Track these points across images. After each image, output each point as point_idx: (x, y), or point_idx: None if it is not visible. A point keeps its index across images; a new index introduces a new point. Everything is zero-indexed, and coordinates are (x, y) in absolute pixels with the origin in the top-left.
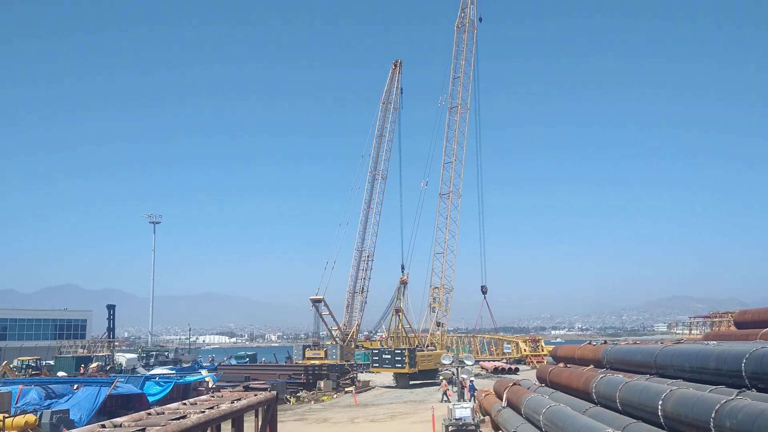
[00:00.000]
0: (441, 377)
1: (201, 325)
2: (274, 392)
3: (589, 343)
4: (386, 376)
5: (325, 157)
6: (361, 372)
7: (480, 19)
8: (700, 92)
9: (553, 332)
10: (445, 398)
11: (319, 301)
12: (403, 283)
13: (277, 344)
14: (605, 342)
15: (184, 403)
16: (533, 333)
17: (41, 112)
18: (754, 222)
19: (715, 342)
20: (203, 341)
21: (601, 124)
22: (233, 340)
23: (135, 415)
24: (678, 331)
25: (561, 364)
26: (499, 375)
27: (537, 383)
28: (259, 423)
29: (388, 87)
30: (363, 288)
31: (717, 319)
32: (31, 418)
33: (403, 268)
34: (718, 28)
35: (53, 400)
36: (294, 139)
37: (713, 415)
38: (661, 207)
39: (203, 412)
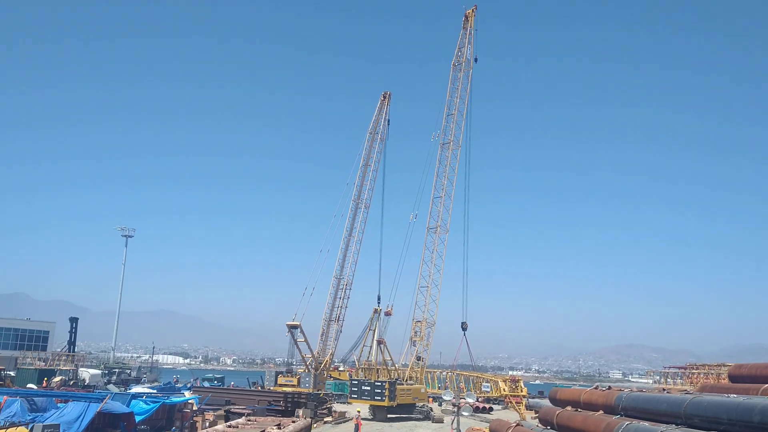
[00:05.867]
0: (358, 410)
1: (155, 343)
2: (309, 420)
3: (596, 388)
4: (361, 408)
5: (299, 187)
6: (333, 402)
7: (476, 60)
8: (657, 142)
9: (510, 373)
10: None
11: (296, 327)
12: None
13: (232, 368)
14: (609, 387)
15: (230, 426)
16: (491, 372)
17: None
18: (710, 277)
19: (735, 395)
20: (157, 360)
21: (568, 170)
22: (187, 360)
23: None
24: (637, 380)
25: (569, 408)
26: (473, 414)
27: (540, 426)
28: None
29: (376, 118)
30: (339, 317)
31: (695, 371)
32: (23, 431)
33: (379, 299)
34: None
35: (37, 414)
36: (273, 164)
37: None
38: (620, 255)
39: None
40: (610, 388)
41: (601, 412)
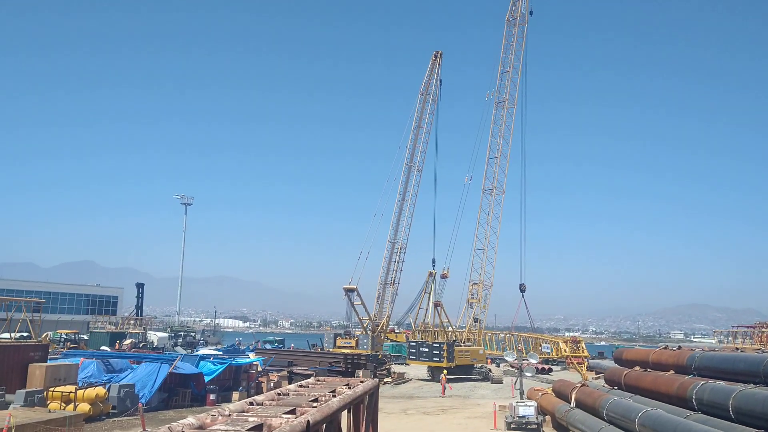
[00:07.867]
0: (444, 372)
1: (216, 307)
2: (377, 380)
3: (666, 348)
4: (419, 369)
5: (353, 152)
6: (392, 363)
7: (531, 13)
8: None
9: (567, 334)
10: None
11: (352, 290)
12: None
13: (290, 331)
14: (679, 347)
15: (301, 385)
16: (548, 333)
17: (73, 85)
18: None
19: None
20: (218, 324)
21: (633, 138)
22: (247, 324)
23: (268, 394)
24: (699, 340)
25: (637, 368)
26: (534, 375)
27: (606, 385)
28: (364, 408)
29: (427, 78)
30: (394, 280)
31: (765, 330)
32: (101, 391)
33: (434, 262)
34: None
35: (112, 375)
36: (329, 131)
37: None
38: (682, 220)
39: (332, 395)
40: (680, 347)
41: (671, 372)
